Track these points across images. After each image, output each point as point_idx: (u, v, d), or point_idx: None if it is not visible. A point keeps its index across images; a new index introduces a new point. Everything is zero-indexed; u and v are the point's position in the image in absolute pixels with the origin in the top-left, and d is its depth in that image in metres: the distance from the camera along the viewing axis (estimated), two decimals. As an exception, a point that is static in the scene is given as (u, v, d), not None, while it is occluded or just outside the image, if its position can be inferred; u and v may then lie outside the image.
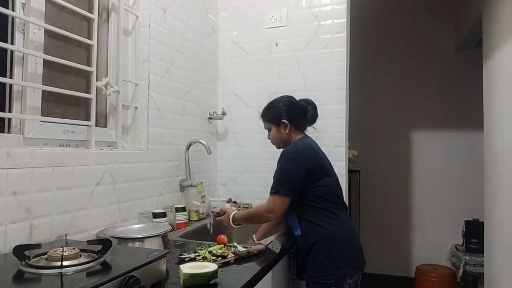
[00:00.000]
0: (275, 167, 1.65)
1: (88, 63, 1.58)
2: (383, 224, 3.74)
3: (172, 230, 1.74)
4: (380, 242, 3.72)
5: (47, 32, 1.38)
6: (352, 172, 2.87)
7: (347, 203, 1.82)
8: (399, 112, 3.72)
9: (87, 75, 1.58)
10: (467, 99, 3.46)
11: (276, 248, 1.53)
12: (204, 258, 1.27)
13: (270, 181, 1.60)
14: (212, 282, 1.07)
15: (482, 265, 2.72)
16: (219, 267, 1.14)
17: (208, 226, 1.89)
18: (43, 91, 1.36)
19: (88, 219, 1.39)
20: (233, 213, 1.66)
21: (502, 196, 2.22)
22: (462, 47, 3.42)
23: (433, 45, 3.60)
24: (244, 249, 1.38)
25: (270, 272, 1.37)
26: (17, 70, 1.28)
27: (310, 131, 1.81)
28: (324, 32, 2.23)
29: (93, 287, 0.77)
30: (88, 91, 1.56)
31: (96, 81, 1.55)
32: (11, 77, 1.27)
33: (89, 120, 1.52)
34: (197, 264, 1.13)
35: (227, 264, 1.27)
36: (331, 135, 2.17)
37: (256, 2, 2.40)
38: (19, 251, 0.92)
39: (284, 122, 1.69)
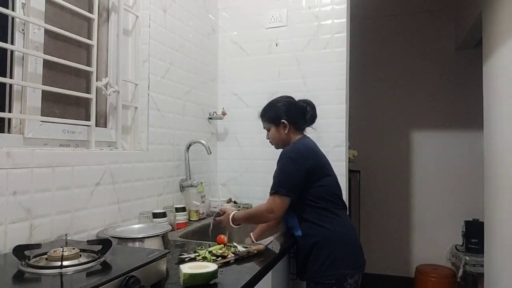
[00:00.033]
0: (275, 167, 1.65)
1: (88, 63, 1.58)
2: (383, 224, 3.74)
3: (172, 230, 1.74)
4: (380, 242, 3.71)
5: (47, 32, 1.38)
6: (352, 172, 2.87)
7: (347, 203, 1.82)
8: (399, 112, 3.72)
9: (87, 75, 1.58)
10: (467, 99, 3.46)
11: (276, 248, 1.53)
12: (204, 258, 1.27)
13: (270, 181, 1.60)
14: (212, 282, 1.07)
15: (482, 265, 2.72)
16: (219, 267, 1.14)
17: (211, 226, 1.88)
18: (43, 91, 1.36)
19: (88, 219, 1.39)
20: (232, 213, 1.66)
21: (502, 196, 2.22)
22: (462, 47, 3.42)
23: (433, 45, 3.60)
24: (244, 249, 1.38)
25: (270, 272, 1.37)
26: (17, 70, 1.28)
27: (309, 132, 1.81)
28: (324, 32, 2.23)
29: (93, 287, 0.77)
30: (88, 91, 1.56)
31: (96, 81, 1.55)
32: (11, 77, 1.27)
33: (89, 120, 1.52)
34: (197, 264, 1.13)
35: (227, 264, 1.27)
36: (331, 135, 2.17)
37: (256, 2, 2.40)
38: (19, 251, 0.92)
39: (283, 122, 1.69)
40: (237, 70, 2.43)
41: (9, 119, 1.27)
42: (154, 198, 1.81)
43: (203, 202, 2.14)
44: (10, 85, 1.28)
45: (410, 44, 3.67)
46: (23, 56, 1.30)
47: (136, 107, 1.78)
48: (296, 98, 1.78)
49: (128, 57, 1.78)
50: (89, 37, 1.57)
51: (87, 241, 1.10)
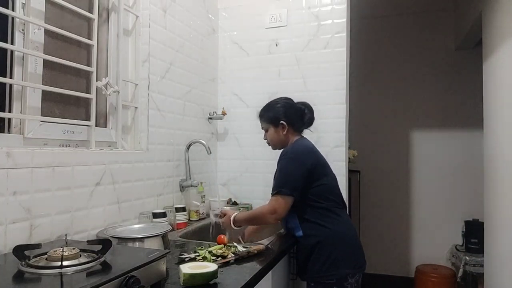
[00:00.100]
0: (275, 167, 1.65)
1: (88, 63, 1.58)
2: (383, 224, 3.74)
3: (172, 230, 1.74)
4: (380, 242, 3.72)
5: (47, 32, 1.38)
6: (352, 172, 2.87)
7: (347, 203, 1.82)
8: (399, 112, 3.72)
9: (87, 75, 1.58)
10: (467, 99, 3.46)
11: (276, 248, 1.53)
12: (204, 258, 1.27)
13: (270, 181, 1.60)
14: (212, 282, 1.07)
15: (482, 265, 2.72)
16: (219, 267, 1.14)
17: (212, 222, 1.87)
18: (43, 91, 1.36)
19: (88, 219, 1.39)
20: (233, 214, 1.66)
21: (502, 196, 2.22)
22: (462, 47, 3.42)
23: (433, 45, 3.60)
24: (244, 249, 1.37)
25: (270, 272, 1.37)
26: (17, 70, 1.28)
27: (309, 132, 1.81)
28: (324, 32, 2.23)
29: (93, 287, 0.77)
30: (88, 91, 1.56)
31: (96, 81, 1.55)
32: (11, 77, 1.27)
33: (89, 120, 1.52)
34: (197, 264, 1.13)
35: (227, 264, 1.27)
36: (331, 135, 2.17)
37: (256, 2, 2.40)
38: (19, 251, 0.92)
39: (282, 123, 1.69)
40: (237, 70, 2.43)
41: (9, 119, 1.27)
42: (154, 198, 1.81)
43: (203, 202, 2.14)
44: (10, 85, 1.28)
45: (410, 44, 3.67)
46: (23, 56, 1.30)
47: (136, 107, 1.78)
48: (296, 98, 1.78)
49: (128, 57, 1.78)
50: (89, 37, 1.57)
51: (87, 241, 1.10)
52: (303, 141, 1.70)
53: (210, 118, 2.35)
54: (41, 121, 1.34)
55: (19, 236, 1.13)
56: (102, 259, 0.93)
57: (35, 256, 0.94)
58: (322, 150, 1.74)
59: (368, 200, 3.73)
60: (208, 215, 2.15)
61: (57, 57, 1.37)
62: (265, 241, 1.59)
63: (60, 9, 1.45)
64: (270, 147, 1.79)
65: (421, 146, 3.67)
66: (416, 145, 3.68)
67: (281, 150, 1.69)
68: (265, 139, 1.78)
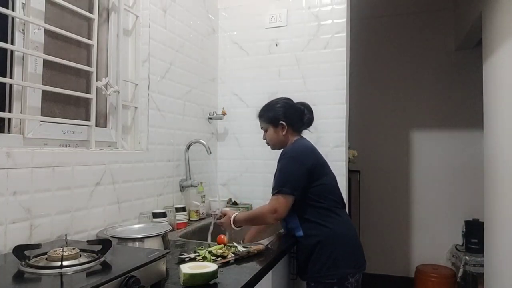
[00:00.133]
0: (275, 167, 1.65)
1: (88, 63, 1.58)
2: (383, 224, 3.74)
3: (172, 230, 1.74)
4: (380, 242, 3.71)
5: (47, 32, 1.38)
6: (352, 172, 2.87)
7: (347, 203, 1.82)
8: (399, 112, 3.72)
9: (87, 75, 1.58)
10: (467, 99, 3.46)
11: (276, 248, 1.53)
12: (204, 258, 1.27)
13: (270, 181, 1.60)
14: (212, 282, 1.07)
15: (482, 265, 2.72)
16: (219, 267, 1.14)
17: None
18: (43, 91, 1.36)
19: (88, 219, 1.39)
20: (233, 215, 1.66)
21: (502, 196, 2.22)
22: (462, 47, 3.42)
23: (433, 45, 3.60)
24: (244, 249, 1.37)
25: (270, 272, 1.37)
26: (17, 70, 1.28)
27: (310, 132, 1.81)
28: (324, 32, 2.23)
29: (93, 287, 0.77)
30: (88, 91, 1.56)
31: (96, 81, 1.55)
32: (11, 77, 1.27)
33: (89, 120, 1.52)
34: (197, 264, 1.13)
35: (227, 264, 1.27)
36: (331, 135, 2.17)
37: (256, 2, 2.40)
38: (19, 251, 0.92)
39: (282, 124, 1.69)
40: (237, 70, 2.43)
41: (9, 119, 1.27)
42: (154, 198, 1.81)
43: (203, 202, 2.14)
44: (10, 85, 1.28)
45: (410, 44, 3.67)
46: (23, 56, 1.30)
47: (136, 107, 1.78)
48: (296, 98, 1.78)
49: (128, 57, 1.78)
50: (89, 37, 1.57)
51: (87, 241, 1.10)
52: (302, 141, 1.70)
53: (210, 118, 2.35)
54: (41, 121, 1.34)
55: (19, 236, 1.13)
56: (102, 259, 0.93)
57: (35, 256, 0.94)
58: (322, 150, 1.74)
59: (368, 200, 3.72)
60: (208, 215, 2.15)
61: (57, 57, 1.37)
62: (265, 241, 1.59)
63: (60, 9, 1.45)
64: (269, 147, 1.79)
65: (421, 146, 3.67)
66: (416, 145, 3.68)
67: (281, 150, 1.69)
68: (264, 139, 1.78)
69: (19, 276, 0.85)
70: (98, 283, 0.79)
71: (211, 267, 1.08)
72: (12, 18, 1.27)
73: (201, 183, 2.12)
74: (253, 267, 1.26)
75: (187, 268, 1.05)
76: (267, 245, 1.53)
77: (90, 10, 1.56)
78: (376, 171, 3.75)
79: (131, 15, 1.79)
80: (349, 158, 2.44)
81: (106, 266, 0.91)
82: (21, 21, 1.28)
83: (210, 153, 1.96)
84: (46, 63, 1.37)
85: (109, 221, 1.50)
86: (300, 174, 1.55)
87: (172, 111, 1.97)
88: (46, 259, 0.91)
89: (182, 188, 2.02)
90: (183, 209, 1.88)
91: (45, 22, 1.35)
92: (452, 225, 3.48)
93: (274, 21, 2.34)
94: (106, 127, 1.69)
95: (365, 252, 1.65)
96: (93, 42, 1.53)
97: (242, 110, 2.41)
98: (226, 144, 2.45)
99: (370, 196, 3.74)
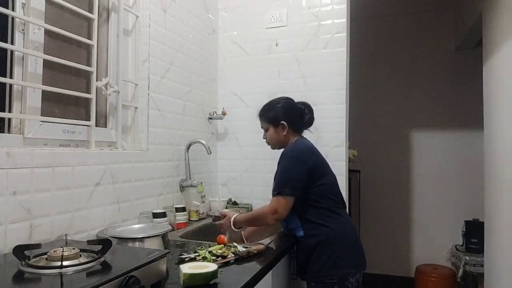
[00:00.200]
0: (275, 167, 1.65)
1: (88, 63, 1.58)
2: (383, 224, 3.74)
3: (172, 230, 1.74)
4: (380, 242, 3.71)
5: (47, 32, 1.38)
6: (352, 172, 2.87)
7: (347, 203, 1.82)
8: (399, 112, 3.72)
9: (87, 75, 1.58)
10: (467, 99, 3.46)
11: (276, 248, 1.53)
12: (204, 258, 1.27)
13: (270, 181, 1.60)
14: (212, 282, 1.07)
15: (482, 265, 2.72)
16: (219, 267, 1.14)
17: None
18: (43, 91, 1.36)
19: (88, 219, 1.39)
20: (233, 216, 1.65)
21: (502, 196, 2.22)
22: (462, 47, 3.42)
23: (433, 45, 3.60)
24: (244, 249, 1.37)
25: (270, 272, 1.37)
26: (17, 70, 1.28)
27: (309, 132, 1.81)
28: (324, 32, 2.23)
29: (93, 287, 0.77)
30: (88, 91, 1.56)
31: (96, 81, 1.55)
32: (11, 77, 1.27)
33: (89, 120, 1.52)
34: (197, 264, 1.13)
35: (227, 264, 1.27)
36: (331, 135, 2.17)
37: (256, 2, 2.40)
38: (19, 251, 0.92)
39: (282, 124, 1.69)
40: (237, 70, 2.43)
41: (9, 119, 1.27)
42: (154, 198, 1.81)
43: (203, 202, 2.14)
44: (10, 85, 1.28)
45: (410, 44, 3.67)
46: (23, 56, 1.30)
47: (136, 107, 1.78)
48: (296, 98, 1.78)
49: (128, 57, 1.78)
50: (89, 37, 1.57)
51: (87, 241, 1.10)
52: (303, 141, 1.70)
53: (210, 118, 2.35)
54: (41, 121, 1.34)
55: (19, 236, 1.13)
56: (102, 259, 0.93)
57: (35, 256, 0.94)
58: (322, 150, 1.74)
59: (368, 200, 3.72)
60: (208, 215, 2.15)
61: (57, 57, 1.37)
62: (265, 241, 1.59)
63: (60, 9, 1.45)
64: (270, 146, 1.78)
65: (421, 146, 3.67)
66: (416, 145, 3.68)
67: (281, 150, 1.69)
68: (264, 139, 1.78)
69: (19, 276, 0.85)
70: (98, 283, 0.79)
71: (211, 267, 1.08)
72: (12, 18, 1.27)
73: (201, 183, 2.12)
74: (253, 267, 1.26)
75: (187, 268, 1.05)
76: (267, 245, 1.53)
77: (90, 10, 1.56)
78: (376, 171, 3.75)
79: (131, 15, 1.79)
80: (349, 158, 2.44)
81: (106, 266, 0.91)
82: (21, 21, 1.28)
83: (210, 153, 1.96)
84: (46, 63, 1.37)
85: (109, 221, 1.50)
86: (301, 174, 1.55)
87: (172, 111, 1.97)
88: (46, 259, 0.91)
89: (182, 188, 2.02)
90: (183, 209, 1.88)
91: (45, 22, 1.35)
92: (452, 225, 3.48)
93: (274, 21, 2.34)
94: (106, 127, 1.69)
95: (365, 252, 1.65)
96: (93, 42, 1.53)
97: (242, 110, 2.41)
98: (226, 144, 2.45)
99: (370, 196, 3.74)
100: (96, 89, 1.55)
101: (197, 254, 1.31)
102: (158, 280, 1.00)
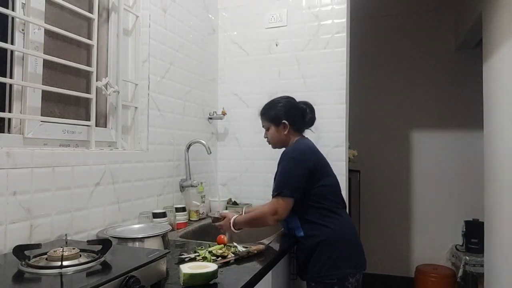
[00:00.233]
0: (275, 167, 1.65)
1: (88, 63, 1.58)
2: (383, 224, 3.74)
3: (172, 230, 1.74)
4: (380, 242, 3.71)
5: (47, 32, 1.38)
6: (352, 172, 2.87)
7: (347, 203, 1.82)
8: (399, 112, 3.72)
9: (87, 75, 1.58)
10: (467, 99, 3.46)
11: (276, 248, 1.53)
12: (204, 258, 1.27)
13: (270, 181, 1.60)
14: (212, 282, 1.07)
15: (482, 265, 2.72)
16: (219, 267, 1.14)
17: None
18: (43, 91, 1.36)
19: (88, 219, 1.39)
20: (233, 217, 1.64)
21: (502, 196, 2.22)
22: (462, 47, 3.42)
23: (433, 45, 3.60)
24: (244, 249, 1.38)
25: (270, 272, 1.37)
26: (17, 70, 1.28)
27: (309, 132, 1.80)
28: (324, 32, 2.23)
29: (93, 287, 0.77)
30: (88, 91, 1.56)
31: (96, 81, 1.55)
32: (11, 77, 1.27)
33: (89, 120, 1.52)
34: (197, 264, 1.13)
35: (227, 264, 1.27)
36: (331, 135, 2.17)
37: (256, 2, 2.40)
38: (19, 251, 0.92)
39: (284, 123, 1.69)
40: (237, 70, 2.43)
41: (9, 119, 1.27)
42: (154, 198, 1.81)
43: (203, 202, 2.14)
44: (10, 85, 1.28)
45: (410, 44, 3.67)
46: (23, 56, 1.30)
47: (136, 107, 1.78)
48: (297, 98, 1.78)
49: (128, 57, 1.78)
50: (89, 37, 1.57)
51: (87, 241, 1.10)
52: (304, 141, 1.70)
53: (210, 118, 2.35)
54: (41, 121, 1.34)
55: (19, 236, 1.13)
56: (102, 259, 0.93)
57: (35, 256, 0.94)
58: (322, 150, 1.74)
59: (368, 200, 3.72)
60: (208, 216, 2.15)
61: (57, 57, 1.37)
62: (265, 241, 1.59)
63: (60, 9, 1.45)
64: (270, 145, 1.78)
65: (421, 146, 3.67)
66: (416, 145, 3.68)
67: (282, 149, 1.69)
68: (265, 138, 1.78)
69: (19, 276, 0.85)
70: (98, 283, 0.79)
71: (211, 267, 1.08)
72: (12, 18, 1.27)
73: (201, 183, 2.12)
74: (253, 267, 1.26)
75: (187, 268, 1.05)
76: (267, 245, 1.53)
77: (90, 10, 1.56)
78: (376, 171, 3.75)
79: (131, 15, 1.79)
80: (349, 158, 2.44)
81: (106, 266, 0.91)
82: (21, 21, 1.28)
83: (210, 153, 1.96)
84: (46, 63, 1.37)
85: (109, 221, 1.50)
86: (301, 175, 1.54)
87: (172, 111, 1.97)
88: (46, 259, 0.91)
89: (182, 188, 2.02)
90: (183, 209, 1.88)
91: (45, 22, 1.35)
92: (452, 225, 3.48)
93: (274, 21, 2.34)
94: (106, 127, 1.69)
95: (365, 252, 1.65)
96: (93, 42, 1.53)
97: (242, 110, 2.41)
98: (226, 144, 2.45)
99: (370, 196, 3.74)
100: (96, 89, 1.55)
101: (197, 254, 1.31)
102: (158, 280, 1.00)
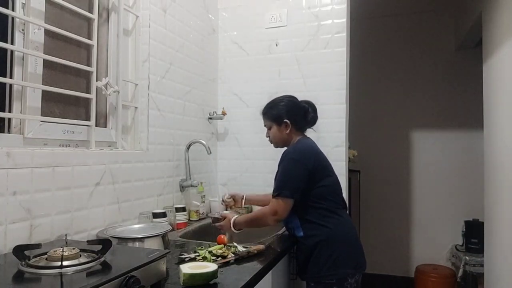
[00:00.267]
0: (275, 167, 1.65)
1: (88, 63, 1.58)
2: (383, 224, 3.74)
3: (172, 230, 1.74)
4: (380, 242, 3.71)
5: (47, 32, 1.38)
6: (352, 172, 2.87)
7: (347, 203, 1.82)
8: (399, 112, 3.72)
9: (87, 75, 1.58)
10: (467, 99, 3.46)
11: (276, 248, 1.53)
12: (204, 258, 1.27)
13: (270, 181, 1.60)
14: (212, 282, 1.07)
15: (482, 265, 2.72)
16: (219, 267, 1.14)
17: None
18: (43, 91, 1.36)
19: (88, 219, 1.39)
20: (233, 218, 1.65)
21: (502, 196, 2.22)
22: (462, 47, 3.42)
23: (433, 45, 3.60)
24: (244, 249, 1.38)
25: (270, 272, 1.37)
26: (17, 70, 1.28)
27: (309, 132, 1.80)
28: (324, 32, 2.23)
29: (93, 287, 0.77)
30: (88, 91, 1.56)
31: (96, 81, 1.55)
32: (11, 77, 1.27)
33: (89, 120, 1.52)
34: (197, 264, 1.13)
35: (227, 264, 1.27)
36: (331, 135, 2.17)
37: (256, 2, 2.40)
38: (19, 251, 0.92)
39: (285, 122, 1.68)
40: (237, 70, 2.43)
41: (9, 119, 1.27)
42: (154, 198, 1.81)
43: (203, 202, 2.14)
44: (10, 85, 1.28)
45: (410, 44, 3.67)
46: (23, 56, 1.30)
47: (136, 107, 1.78)
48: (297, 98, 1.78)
49: (128, 57, 1.78)
50: (89, 37, 1.57)
51: (87, 241, 1.10)
52: (305, 141, 1.69)
53: (210, 118, 2.35)
54: (41, 121, 1.34)
55: (19, 236, 1.13)
56: (102, 259, 0.93)
57: (35, 256, 0.94)
58: (322, 150, 1.73)
59: (368, 200, 3.72)
60: (208, 216, 2.14)
61: (57, 57, 1.37)
62: (265, 241, 1.59)
63: (60, 9, 1.45)
64: (272, 145, 1.78)
65: (421, 146, 3.67)
66: (416, 145, 3.69)
67: (283, 149, 1.69)
68: (267, 137, 1.78)
69: (19, 276, 0.85)
70: (98, 283, 0.79)
71: (211, 267, 1.08)
72: (12, 18, 1.27)
73: (201, 183, 2.12)
74: (253, 267, 1.26)
75: (187, 268, 1.05)
76: (267, 245, 1.53)
77: (90, 10, 1.56)
78: (376, 171, 3.75)
79: (131, 15, 1.79)
80: (349, 158, 2.44)
81: (106, 266, 0.91)
82: (21, 21, 1.28)
83: (210, 153, 1.96)
84: (46, 63, 1.37)
85: (109, 221, 1.50)
86: (301, 176, 1.54)
87: (172, 111, 1.97)
88: (46, 259, 0.91)
89: (182, 188, 2.02)
90: (183, 209, 1.88)
91: (45, 22, 1.35)
92: (452, 225, 3.48)
93: (274, 21, 2.34)
94: (106, 127, 1.69)
95: (365, 252, 1.65)
96: (93, 42, 1.53)
97: (242, 110, 2.41)
98: (226, 144, 2.45)
99: (370, 196, 3.74)
100: (96, 89, 1.55)
101: (197, 254, 1.31)
102: (158, 280, 1.00)
